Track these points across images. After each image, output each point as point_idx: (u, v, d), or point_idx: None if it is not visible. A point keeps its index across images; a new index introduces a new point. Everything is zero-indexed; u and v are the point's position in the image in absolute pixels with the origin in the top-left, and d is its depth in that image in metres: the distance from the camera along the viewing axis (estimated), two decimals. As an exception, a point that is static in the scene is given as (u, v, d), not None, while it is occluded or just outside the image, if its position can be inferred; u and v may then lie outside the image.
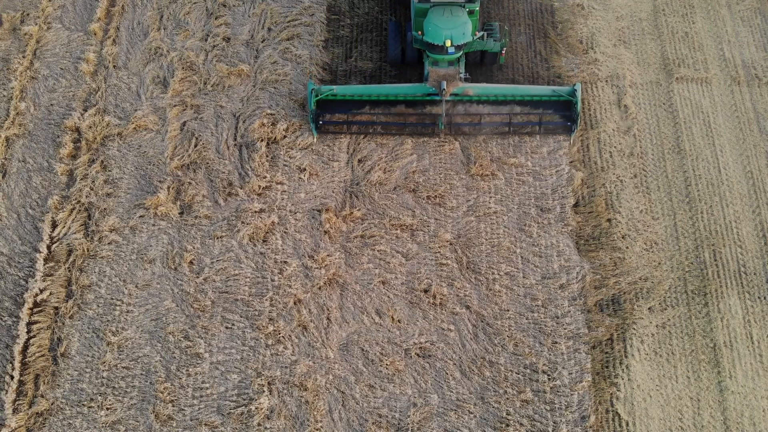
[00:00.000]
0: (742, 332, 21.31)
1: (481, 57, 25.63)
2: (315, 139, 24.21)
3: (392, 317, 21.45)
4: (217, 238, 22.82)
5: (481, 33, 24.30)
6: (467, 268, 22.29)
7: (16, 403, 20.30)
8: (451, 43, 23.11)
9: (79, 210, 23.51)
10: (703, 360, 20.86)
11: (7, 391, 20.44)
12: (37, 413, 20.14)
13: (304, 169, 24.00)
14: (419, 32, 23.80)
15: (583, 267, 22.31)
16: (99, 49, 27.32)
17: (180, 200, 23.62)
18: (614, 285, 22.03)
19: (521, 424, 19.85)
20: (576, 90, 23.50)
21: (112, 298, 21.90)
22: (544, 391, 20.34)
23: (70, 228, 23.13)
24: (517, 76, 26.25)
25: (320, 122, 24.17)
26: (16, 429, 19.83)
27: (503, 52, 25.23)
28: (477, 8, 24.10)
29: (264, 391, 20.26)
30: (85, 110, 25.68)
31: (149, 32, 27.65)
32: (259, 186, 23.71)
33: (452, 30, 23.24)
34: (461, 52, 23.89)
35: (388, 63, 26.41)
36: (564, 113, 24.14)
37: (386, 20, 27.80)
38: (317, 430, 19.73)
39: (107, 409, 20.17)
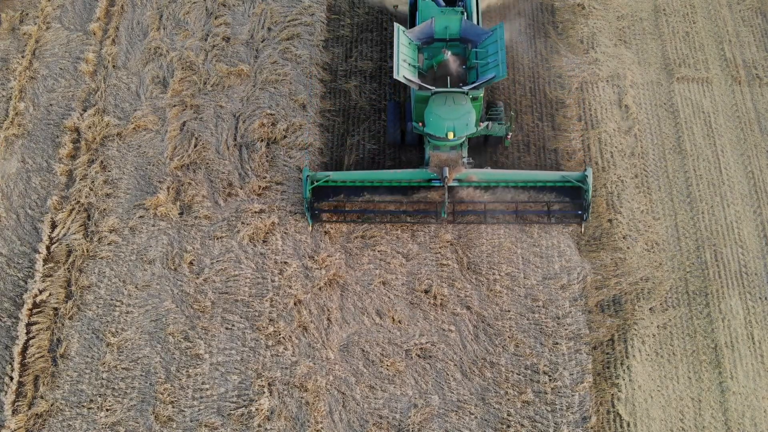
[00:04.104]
0: (744, 333, 21.27)
1: (485, 139, 24.05)
2: (311, 228, 22.80)
3: (393, 318, 21.40)
4: (217, 238, 22.76)
5: (486, 123, 22.82)
6: (468, 268, 22.24)
7: (16, 404, 20.25)
8: (454, 134, 21.44)
9: (79, 210, 23.45)
10: (705, 361, 20.82)
11: (6, 392, 20.38)
12: (36, 414, 20.08)
13: (304, 170, 23.98)
14: (420, 123, 21.97)
15: (584, 267, 22.26)
16: (98, 49, 27.25)
17: (180, 200, 23.56)
18: (615, 285, 21.98)
19: (522, 425, 19.81)
20: (587, 176, 21.93)
21: (111, 299, 21.84)
22: (545, 392, 20.29)
23: (69, 228, 23.07)
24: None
25: (316, 211, 22.58)
26: (15, 430, 19.78)
27: (508, 135, 23.50)
28: (481, 95, 22.51)
29: (264, 392, 20.20)
30: (85, 110, 25.61)
31: (149, 32, 27.58)
32: (259, 186, 23.66)
33: (455, 121, 21.42)
34: (464, 138, 22.25)
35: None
36: (575, 200, 22.48)
37: (387, 20, 27.72)
38: (318, 431, 19.68)
39: (107, 410, 20.12)
